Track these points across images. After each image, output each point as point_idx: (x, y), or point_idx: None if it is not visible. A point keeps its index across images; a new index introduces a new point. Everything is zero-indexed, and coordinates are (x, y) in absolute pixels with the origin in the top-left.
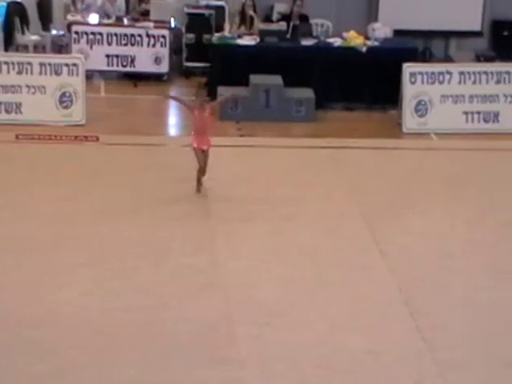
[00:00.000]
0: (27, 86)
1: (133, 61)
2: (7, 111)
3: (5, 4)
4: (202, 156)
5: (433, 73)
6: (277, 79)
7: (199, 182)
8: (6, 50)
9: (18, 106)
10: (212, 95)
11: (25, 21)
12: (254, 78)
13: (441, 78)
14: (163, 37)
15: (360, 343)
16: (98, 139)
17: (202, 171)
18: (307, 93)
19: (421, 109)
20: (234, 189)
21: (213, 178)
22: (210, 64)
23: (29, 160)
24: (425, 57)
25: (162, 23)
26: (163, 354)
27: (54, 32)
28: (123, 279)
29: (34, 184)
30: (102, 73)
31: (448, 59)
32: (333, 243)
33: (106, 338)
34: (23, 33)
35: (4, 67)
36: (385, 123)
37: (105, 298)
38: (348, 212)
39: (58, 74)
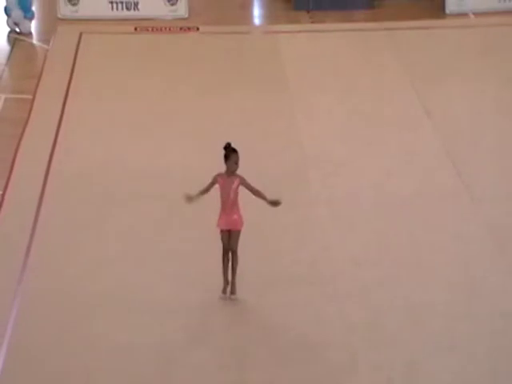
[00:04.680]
0: None
1: None
2: (127, 8)
3: None
4: (226, 239)
5: None
6: None
7: (225, 277)
8: None
9: (136, 4)
10: None
11: None
12: None
13: None
14: None
15: (409, 187)
16: (198, 29)
17: (227, 255)
18: None
19: None
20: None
21: (287, 57)
22: None
23: (146, 48)
24: None
25: None
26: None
27: None
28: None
29: (150, 68)
30: None
31: None
32: (386, 108)
33: None
34: None
35: None
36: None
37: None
38: (400, 82)
39: None
